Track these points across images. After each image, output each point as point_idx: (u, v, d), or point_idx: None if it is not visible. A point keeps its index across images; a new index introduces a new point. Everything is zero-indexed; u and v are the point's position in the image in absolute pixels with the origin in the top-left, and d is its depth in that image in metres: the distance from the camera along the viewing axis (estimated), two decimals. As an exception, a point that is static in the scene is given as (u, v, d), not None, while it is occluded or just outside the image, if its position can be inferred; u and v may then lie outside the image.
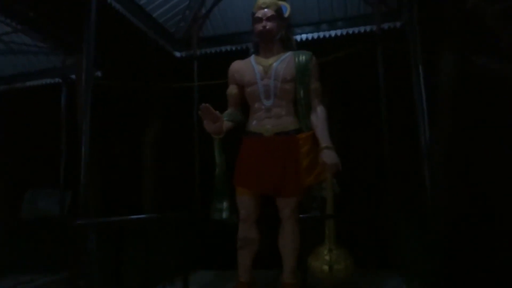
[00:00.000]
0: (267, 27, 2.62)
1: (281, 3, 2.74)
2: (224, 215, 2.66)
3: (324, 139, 2.52)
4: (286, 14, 2.74)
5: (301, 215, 2.00)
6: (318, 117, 2.60)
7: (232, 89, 2.76)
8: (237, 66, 2.78)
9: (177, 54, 3.87)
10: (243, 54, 2.92)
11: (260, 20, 2.64)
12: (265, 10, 2.64)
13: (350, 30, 3.60)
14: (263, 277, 2.83)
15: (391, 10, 3.42)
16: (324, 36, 3.64)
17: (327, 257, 2.39)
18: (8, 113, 4.17)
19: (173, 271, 2.10)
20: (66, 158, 3.78)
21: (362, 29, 3.57)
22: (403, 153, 3.06)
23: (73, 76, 3.86)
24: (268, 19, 2.62)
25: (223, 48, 3.85)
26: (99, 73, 3.57)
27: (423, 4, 2.82)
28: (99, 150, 2.48)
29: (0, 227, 4.13)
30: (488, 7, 2.38)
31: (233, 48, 3.82)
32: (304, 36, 3.65)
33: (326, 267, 2.37)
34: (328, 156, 2.45)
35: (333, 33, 3.63)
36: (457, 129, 3.12)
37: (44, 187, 4.10)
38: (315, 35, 3.66)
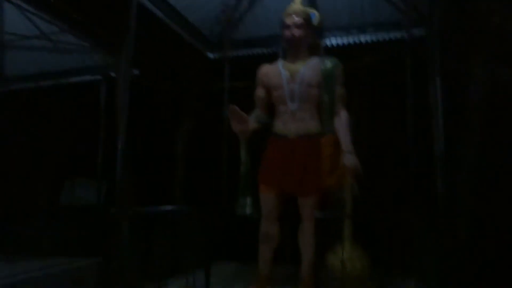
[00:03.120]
0: (296, 34, 2.73)
1: (310, 10, 2.86)
2: (248, 210, 2.80)
3: (345, 143, 2.62)
4: (315, 22, 2.85)
5: (318, 215, 2.11)
6: (341, 121, 2.70)
7: (260, 92, 2.90)
8: (265, 70, 2.91)
9: (210, 55, 4.04)
10: (274, 57, 3.03)
11: (289, 27, 2.75)
12: (294, 17, 2.75)
13: (380, 36, 3.66)
14: (283, 271, 2.95)
15: (421, 17, 3.45)
16: (354, 42, 3.72)
17: (345, 256, 2.49)
18: (52, 107, 4.47)
19: (197, 261, 2.25)
20: (103, 151, 4.02)
21: (392, 35, 3.61)
22: (426, 159, 3.12)
23: (113, 74, 4.11)
24: (297, 26, 2.73)
25: (255, 51, 3.99)
26: (137, 72, 3.78)
27: (453, 14, 2.86)
28: (135, 145, 2.66)
29: (41, 213, 4.43)
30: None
31: (264, 51, 3.96)
32: (333, 41, 3.73)
33: (342, 265, 2.47)
34: (349, 160, 2.55)
35: (362, 38, 3.69)
36: (486, 140, 3.16)
37: (82, 177, 4.35)
38: (345, 40, 3.74)
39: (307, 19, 2.79)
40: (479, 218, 3.12)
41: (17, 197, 4.51)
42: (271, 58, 3.08)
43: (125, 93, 2.49)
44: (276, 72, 2.83)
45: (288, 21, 2.76)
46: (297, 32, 2.74)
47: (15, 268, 3.25)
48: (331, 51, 3.38)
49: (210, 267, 2.10)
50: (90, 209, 4.07)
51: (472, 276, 3.00)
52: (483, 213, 3.11)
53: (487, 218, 3.10)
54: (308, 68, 2.77)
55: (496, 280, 2.97)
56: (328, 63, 2.77)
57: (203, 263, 2.08)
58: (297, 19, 2.75)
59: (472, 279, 2.99)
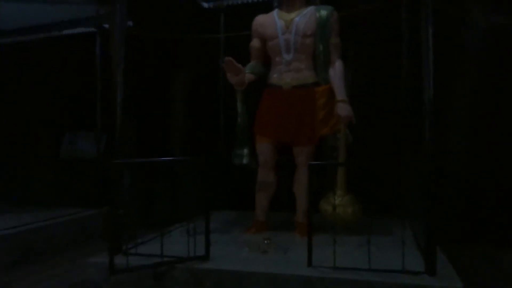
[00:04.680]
0: (290, -18, 2.70)
1: (305, -43, 2.80)
2: (245, 160, 2.90)
3: (340, 92, 2.66)
4: (310, -30, 2.80)
5: (312, 162, 2.18)
6: (336, 71, 2.72)
7: (255, 43, 2.90)
8: (260, 20, 2.89)
9: (205, 5, 3.97)
10: (269, 6, 3.01)
11: (284, -25, 2.72)
12: (290, -35, 2.71)
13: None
14: (278, 217, 3.08)
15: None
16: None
17: (337, 201, 2.60)
18: (47, 60, 4.43)
19: (197, 209, 2.35)
20: (101, 104, 4.04)
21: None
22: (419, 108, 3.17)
23: (106, 26, 4.05)
24: (292, -26, 2.70)
25: (250, 0, 3.92)
26: (130, 23, 3.73)
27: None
28: (132, 97, 2.68)
29: (41, 165, 4.51)
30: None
31: (260, 0, 3.88)
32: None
33: (335, 210, 2.58)
34: (343, 109, 2.61)
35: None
36: (478, 89, 3.20)
37: (82, 130, 4.40)
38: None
39: (303, -34, 2.75)
40: (469, 163, 3.23)
41: (18, 151, 4.58)
42: (266, 7, 3.05)
43: (121, 44, 2.47)
44: (271, 22, 2.82)
45: (283, -31, 2.72)
46: (292, -20, 2.71)
47: (24, 218, 3.39)
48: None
49: (210, 214, 2.19)
50: (90, 162, 4.15)
51: (457, 219, 3.16)
52: (472, 161, 3.21)
53: (476, 166, 3.20)
54: (304, 18, 2.76)
55: (478, 223, 3.13)
56: (324, 12, 2.76)
57: (203, 211, 2.17)
58: (292, -33, 2.71)
59: (458, 222, 3.15)
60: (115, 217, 2.20)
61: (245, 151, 2.89)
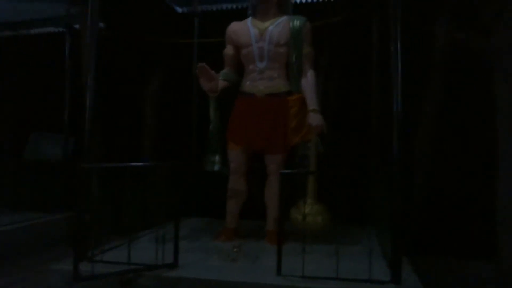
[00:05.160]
0: (265, -9, 2.73)
1: (280, -33, 2.83)
2: (216, 167, 2.88)
3: (311, 102, 2.70)
4: (285, -21, 2.84)
5: (283, 171, 2.20)
6: (308, 81, 2.76)
7: (229, 50, 2.90)
8: (234, 27, 2.90)
9: (179, 9, 3.95)
10: (243, 13, 3.02)
11: (259, -16, 2.74)
12: (265, -26, 2.74)
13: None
14: (248, 225, 3.08)
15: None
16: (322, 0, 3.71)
17: (306, 210, 2.63)
18: (14, 59, 4.30)
19: (167, 215, 2.33)
20: (70, 105, 3.94)
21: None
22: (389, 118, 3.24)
23: (76, 26, 3.97)
24: (267, -17, 2.73)
25: (224, 6, 3.93)
26: (101, 25, 3.67)
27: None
28: (102, 99, 2.63)
29: (6, 167, 4.36)
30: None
31: (234, 7, 3.90)
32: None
33: (304, 219, 2.60)
34: (314, 118, 2.64)
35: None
36: (444, 100, 3.31)
37: (48, 132, 4.28)
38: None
39: (277, -24, 2.78)
40: (435, 175, 3.32)
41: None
42: (240, 14, 3.06)
43: (92, 46, 2.42)
44: (245, 30, 2.83)
45: (259, -23, 2.74)
46: (266, -11, 2.73)
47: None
48: (299, 8, 3.38)
49: (180, 221, 2.17)
50: (56, 164, 4.04)
51: (424, 229, 3.24)
52: (439, 171, 3.31)
53: (443, 176, 3.30)
54: (277, 27, 2.79)
55: (442, 234, 3.22)
56: (297, 22, 2.80)
57: (173, 217, 2.15)
58: (267, -24, 2.73)
59: (424, 232, 3.23)
60: (81, 222, 2.15)
61: (217, 157, 2.88)
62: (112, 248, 2.47)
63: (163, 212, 2.68)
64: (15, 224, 3.33)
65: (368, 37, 3.37)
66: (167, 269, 2.08)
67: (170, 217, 2.20)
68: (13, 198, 4.03)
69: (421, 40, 3.33)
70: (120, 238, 2.53)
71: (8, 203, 3.92)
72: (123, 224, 3.51)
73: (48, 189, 3.97)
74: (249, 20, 2.88)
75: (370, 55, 3.35)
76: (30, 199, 3.95)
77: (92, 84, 2.31)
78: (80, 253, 2.08)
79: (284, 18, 2.83)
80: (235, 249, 2.35)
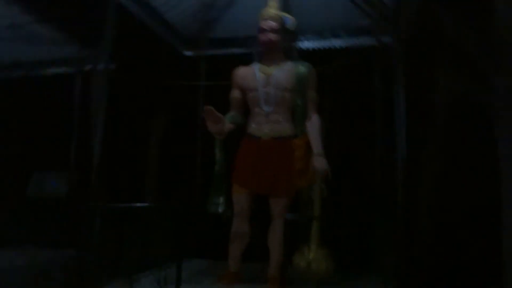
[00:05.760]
0: (271, 38, 2.82)
1: (285, 15, 2.95)
2: (220, 209, 2.89)
3: (316, 146, 2.73)
4: (290, 26, 2.94)
5: (287, 215, 2.20)
6: (313, 125, 2.81)
7: (235, 93, 2.97)
8: (240, 72, 2.98)
9: (187, 53, 4.06)
10: (249, 58, 3.09)
11: (264, 31, 2.84)
12: (270, 22, 2.84)
13: (351, 41, 3.76)
14: (251, 269, 3.03)
15: (389, 25, 3.57)
16: (327, 46, 3.81)
17: (310, 256, 2.59)
18: (23, 99, 4.38)
19: (169, 257, 2.31)
20: (76, 144, 3.98)
21: (363, 41, 3.72)
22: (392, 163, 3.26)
23: (87, 67, 4.07)
24: (273, 31, 2.83)
25: (231, 51, 4.03)
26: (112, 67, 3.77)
27: (417, 26, 2.99)
28: (109, 140, 2.67)
29: (9, 205, 4.35)
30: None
31: (241, 51, 4.00)
32: (307, 45, 3.81)
33: (307, 265, 2.56)
34: (319, 162, 2.66)
35: (335, 43, 3.79)
36: (447, 147, 3.33)
37: (52, 170, 4.30)
38: (318, 44, 3.83)
39: (282, 23, 2.89)
40: (439, 222, 3.29)
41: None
42: (247, 59, 3.15)
43: (103, 87, 2.49)
44: (251, 74, 2.91)
45: (264, 25, 2.85)
46: (272, 36, 2.83)
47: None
48: (305, 54, 3.47)
49: (182, 263, 2.15)
50: (59, 202, 4.03)
51: (430, 278, 3.17)
52: (444, 218, 3.28)
53: (447, 223, 3.27)
54: (283, 72, 2.86)
55: (452, 280, 3.15)
56: (302, 67, 2.88)
57: (175, 259, 2.13)
58: (272, 24, 2.84)
59: (430, 281, 3.16)
60: (82, 261, 2.13)
61: (221, 199, 2.89)
62: (113, 290, 2.43)
63: (165, 253, 2.65)
64: (13, 260, 3.28)
65: (371, 82, 3.44)
66: (168, 313, 2.04)
67: (172, 259, 2.18)
68: (18, 235, 4.00)
69: (422, 88, 3.40)
70: (121, 279, 2.49)
71: (13, 241, 3.89)
72: (124, 265, 3.47)
73: (52, 227, 3.94)
74: (255, 65, 2.96)
75: (373, 100, 3.41)
76: (34, 237, 3.91)
77: (101, 124, 2.35)
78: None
79: (289, 63, 2.91)
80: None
